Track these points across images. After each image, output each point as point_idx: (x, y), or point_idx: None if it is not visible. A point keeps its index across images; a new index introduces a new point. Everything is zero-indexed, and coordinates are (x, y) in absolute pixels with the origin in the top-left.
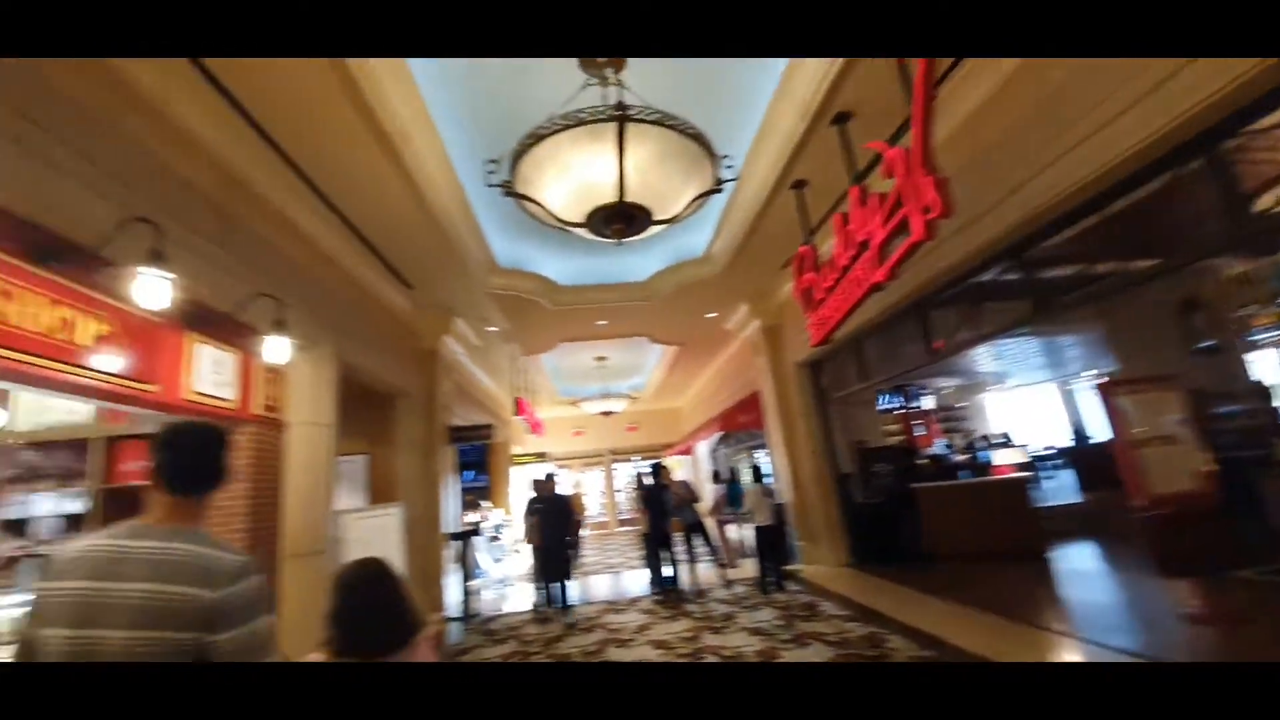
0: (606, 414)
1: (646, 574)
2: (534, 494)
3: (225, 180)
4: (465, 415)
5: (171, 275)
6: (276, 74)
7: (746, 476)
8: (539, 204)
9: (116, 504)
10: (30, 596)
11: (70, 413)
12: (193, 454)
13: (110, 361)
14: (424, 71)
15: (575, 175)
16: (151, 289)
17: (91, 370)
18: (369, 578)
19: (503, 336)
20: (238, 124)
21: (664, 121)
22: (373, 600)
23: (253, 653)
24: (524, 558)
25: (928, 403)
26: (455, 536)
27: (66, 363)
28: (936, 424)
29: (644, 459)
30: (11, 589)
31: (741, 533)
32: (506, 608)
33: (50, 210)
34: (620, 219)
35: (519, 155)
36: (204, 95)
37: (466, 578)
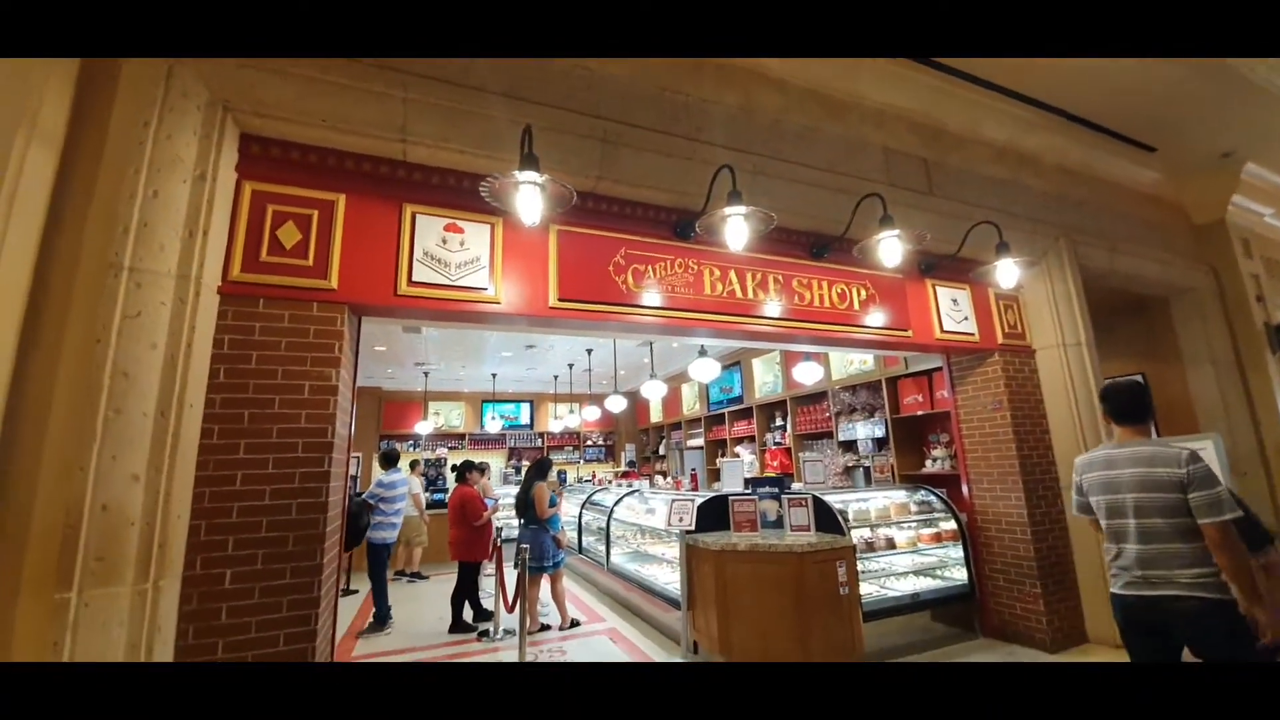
0: None
1: None
2: None
3: (917, 128)
4: None
5: (896, 232)
6: None
7: None
8: None
9: (903, 428)
10: (1075, 478)
11: (862, 363)
12: (1126, 398)
13: (875, 318)
14: None
15: None
16: (889, 249)
17: (864, 327)
18: None
19: None
20: (906, 71)
21: None
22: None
23: (1214, 507)
24: None
25: None
26: None
27: (848, 324)
28: None
29: None
30: (852, 489)
31: None
32: None
33: (813, 218)
34: None
35: None
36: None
37: None
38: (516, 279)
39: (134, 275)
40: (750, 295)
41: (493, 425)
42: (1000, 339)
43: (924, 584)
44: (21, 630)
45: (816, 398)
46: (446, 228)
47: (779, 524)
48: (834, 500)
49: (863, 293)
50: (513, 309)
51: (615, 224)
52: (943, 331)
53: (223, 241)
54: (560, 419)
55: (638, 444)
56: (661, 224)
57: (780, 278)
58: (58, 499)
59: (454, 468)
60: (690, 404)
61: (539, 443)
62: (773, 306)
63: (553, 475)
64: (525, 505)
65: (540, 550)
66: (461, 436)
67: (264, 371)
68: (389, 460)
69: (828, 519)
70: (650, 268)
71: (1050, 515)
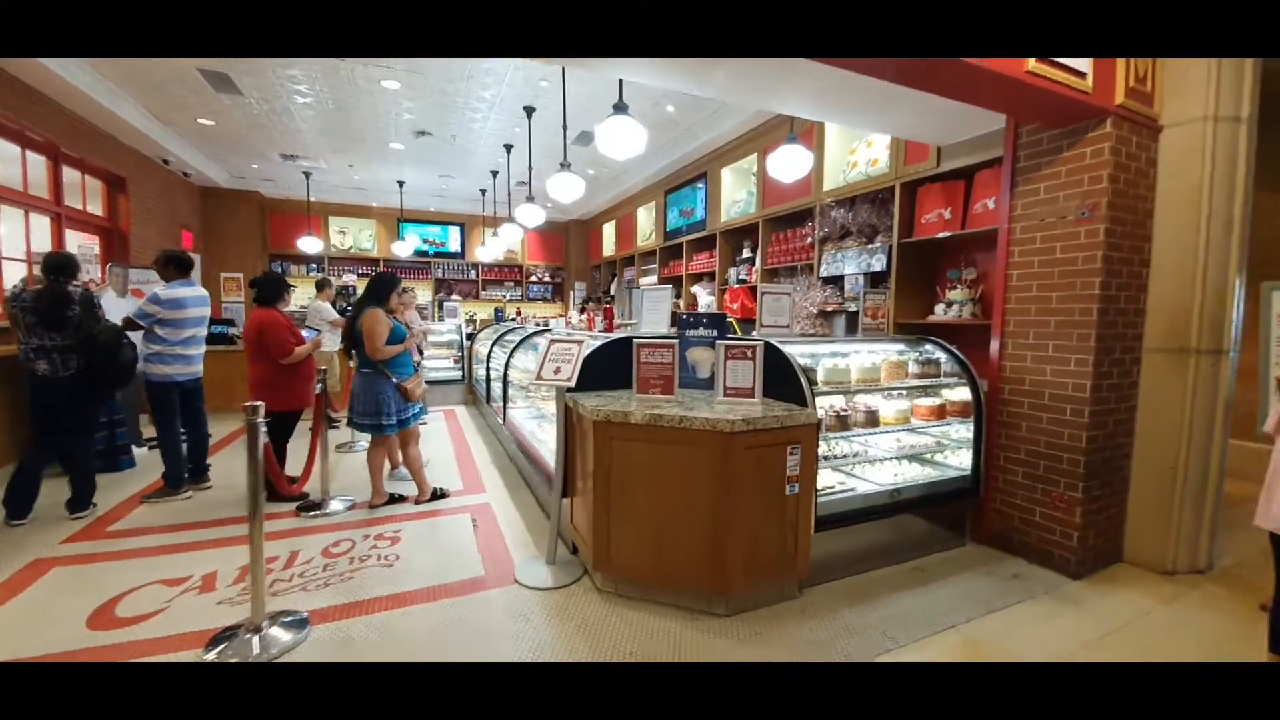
0: None
1: None
2: None
3: None
4: None
5: None
6: None
7: None
8: None
9: (912, 258)
10: None
11: (870, 164)
12: None
13: None
14: None
15: None
16: None
17: None
18: None
19: None
20: None
21: None
22: None
23: None
24: None
25: None
26: None
27: None
28: None
29: None
30: (827, 339)
31: None
32: None
33: None
34: None
35: None
36: None
37: None
38: None
39: None
40: None
41: (403, 248)
42: (1120, 96)
43: (910, 472)
44: None
45: (798, 219)
46: None
47: (713, 384)
48: (798, 352)
49: None
50: None
51: None
52: (1040, 60)
53: None
54: (487, 246)
55: (589, 282)
56: None
57: None
58: None
59: (252, 283)
60: (646, 233)
61: (473, 275)
62: None
63: (410, 299)
64: (354, 340)
65: (375, 403)
66: (375, 262)
67: None
68: (175, 267)
69: (785, 380)
70: None
71: (1120, 390)
